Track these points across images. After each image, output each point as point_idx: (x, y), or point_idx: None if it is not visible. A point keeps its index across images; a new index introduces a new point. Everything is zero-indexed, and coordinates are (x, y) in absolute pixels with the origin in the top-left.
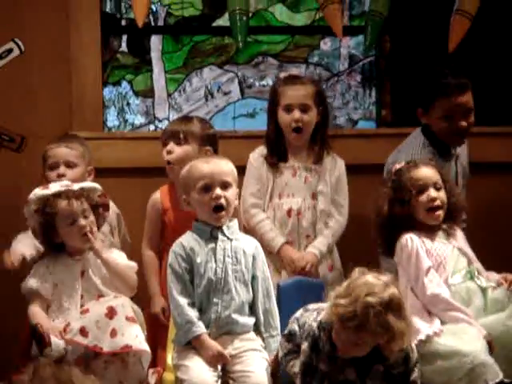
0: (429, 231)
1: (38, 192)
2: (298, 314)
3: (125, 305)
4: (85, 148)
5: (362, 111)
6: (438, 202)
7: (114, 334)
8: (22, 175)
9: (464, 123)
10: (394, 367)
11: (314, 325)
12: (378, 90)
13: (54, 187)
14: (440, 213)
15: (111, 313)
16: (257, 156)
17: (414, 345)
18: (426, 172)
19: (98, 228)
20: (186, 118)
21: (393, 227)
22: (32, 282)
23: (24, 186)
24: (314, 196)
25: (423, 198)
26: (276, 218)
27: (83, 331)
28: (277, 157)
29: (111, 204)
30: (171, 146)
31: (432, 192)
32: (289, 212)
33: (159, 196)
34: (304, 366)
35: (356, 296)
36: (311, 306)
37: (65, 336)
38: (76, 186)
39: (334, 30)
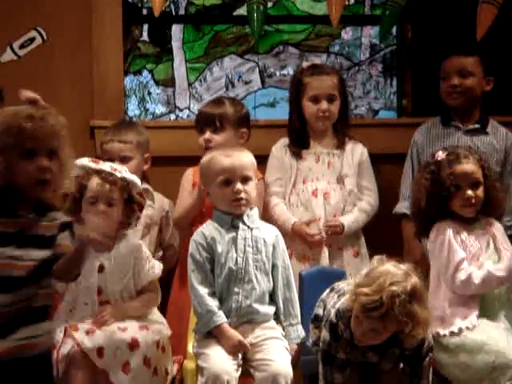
0: (465, 221)
1: (84, 161)
2: (324, 294)
3: (148, 342)
4: (140, 136)
5: (382, 101)
6: (472, 201)
7: (126, 370)
8: None
9: (456, 81)
10: (407, 349)
11: (332, 312)
12: (399, 79)
13: (101, 165)
14: (473, 209)
15: (133, 344)
16: (279, 146)
17: (430, 334)
18: (466, 169)
19: (129, 224)
20: (219, 102)
21: (430, 216)
22: None
23: None
24: (340, 180)
25: (459, 195)
26: (301, 201)
27: (100, 351)
28: (300, 145)
29: (162, 200)
30: (209, 134)
31: (469, 191)
32: (314, 192)
33: (191, 171)
34: (323, 354)
35: (380, 285)
36: (337, 285)
37: (84, 339)
38: (119, 175)
39: (331, 17)
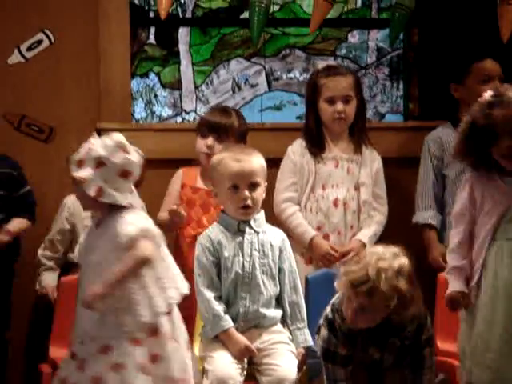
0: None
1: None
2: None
3: None
4: None
5: (389, 104)
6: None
7: None
8: (50, 166)
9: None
10: (407, 338)
11: (328, 308)
12: (406, 83)
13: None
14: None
15: None
16: (297, 148)
17: (429, 322)
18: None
19: None
20: (226, 112)
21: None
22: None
23: (51, 177)
24: (357, 187)
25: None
26: (320, 209)
27: None
28: (317, 148)
29: None
30: (212, 140)
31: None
32: (335, 202)
33: (181, 172)
34: (323, 351)
35: (367, 261)
36: None
37: None
38: None
39: (311, 21)
